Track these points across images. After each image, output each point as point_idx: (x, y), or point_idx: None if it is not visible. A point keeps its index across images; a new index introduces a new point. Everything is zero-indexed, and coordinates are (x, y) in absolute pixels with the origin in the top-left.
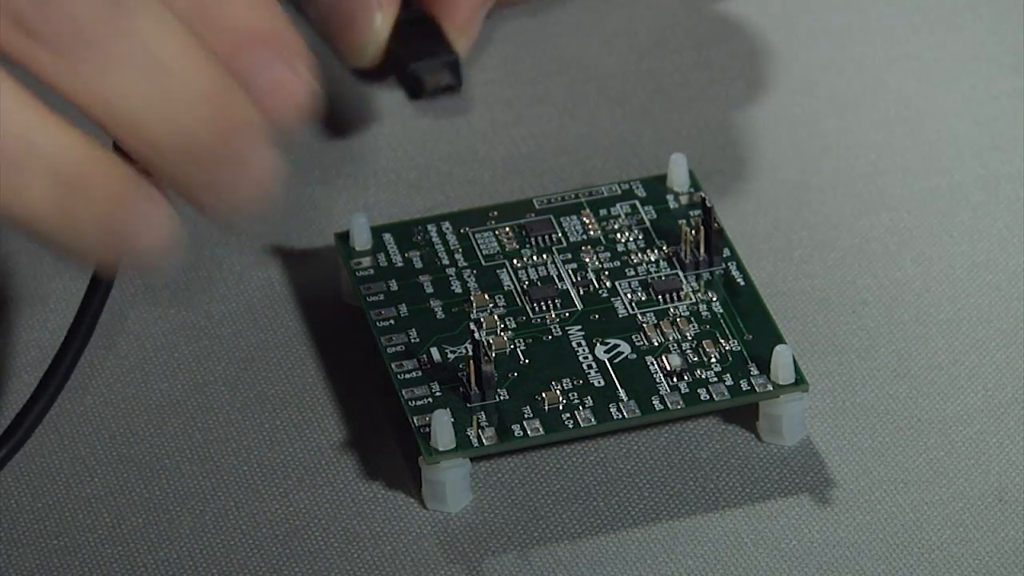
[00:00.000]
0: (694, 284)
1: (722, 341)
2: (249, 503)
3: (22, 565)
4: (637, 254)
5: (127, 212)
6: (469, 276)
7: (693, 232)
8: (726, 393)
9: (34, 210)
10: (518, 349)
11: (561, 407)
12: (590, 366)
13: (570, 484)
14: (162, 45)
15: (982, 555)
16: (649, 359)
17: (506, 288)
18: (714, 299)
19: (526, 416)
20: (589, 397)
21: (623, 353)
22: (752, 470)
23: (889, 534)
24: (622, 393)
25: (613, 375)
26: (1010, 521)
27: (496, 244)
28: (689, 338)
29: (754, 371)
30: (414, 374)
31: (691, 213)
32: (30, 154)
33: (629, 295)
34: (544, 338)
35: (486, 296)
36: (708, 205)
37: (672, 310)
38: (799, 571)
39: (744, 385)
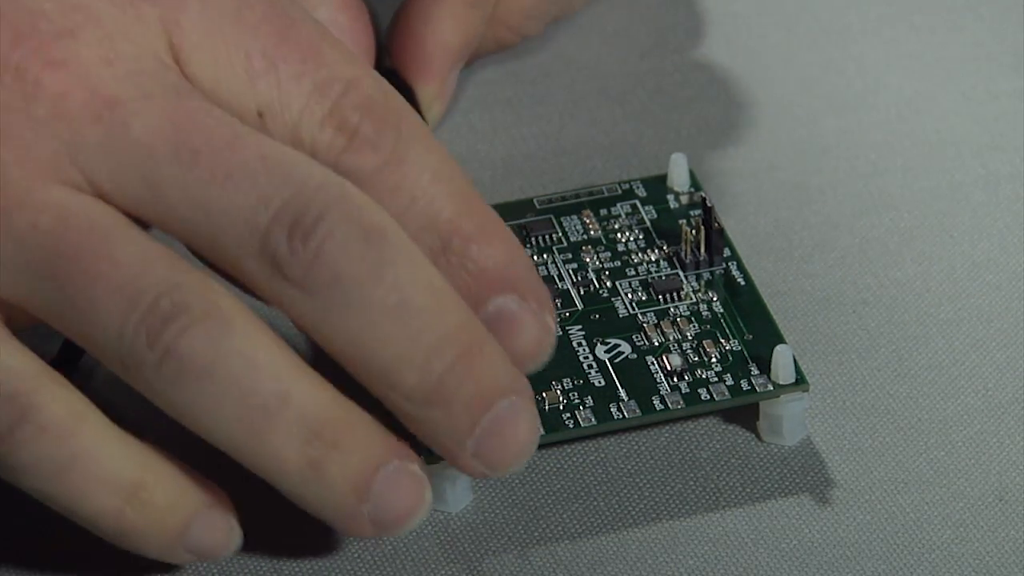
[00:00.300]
0: (694, 284)
1: (722, 341)
2: (249, 503)
3: (22, 565)
4: (637, 254)
5: (382, 476)
6: None
7: (693, 232)
8: (726, 393)
9: (283, 464)
10: None
11: (561, 407)
12: (590, 366)
13: (570, 484)
14: (416, 289)
15: (982, 555)
16: (649, 359)
17: None
18: (714, 299)
19: None
20: (589, 397)
21: (623, 353)
22: (752, 470)
23: (889, 534)
24: (622, 393)
25: (613, 375)
26: (1010, 521)
27: None
28: (689, 338)
29: (754, 371)
30: None
31: (691, 213)
32: (283, 405)
33: (629, 295)
34: None
35: None
36: (708, 205)
37: (672, 310)
38: (799, 571)
39: (744, 385)
